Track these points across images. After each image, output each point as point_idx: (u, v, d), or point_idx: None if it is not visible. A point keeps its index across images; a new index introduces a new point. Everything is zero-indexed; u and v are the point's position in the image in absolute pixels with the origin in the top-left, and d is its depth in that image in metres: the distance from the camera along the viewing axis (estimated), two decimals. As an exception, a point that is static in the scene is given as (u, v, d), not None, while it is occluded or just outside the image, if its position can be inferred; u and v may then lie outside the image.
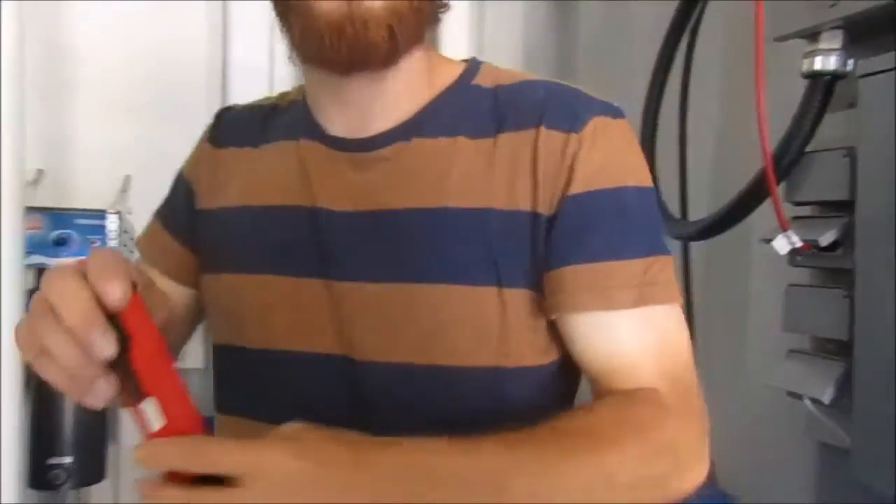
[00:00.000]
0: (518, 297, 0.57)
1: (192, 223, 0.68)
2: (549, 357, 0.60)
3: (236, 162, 0.67)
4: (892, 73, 0.79)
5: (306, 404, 0.54)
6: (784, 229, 0.89)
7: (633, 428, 0.52)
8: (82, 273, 0.44)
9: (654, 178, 1.21)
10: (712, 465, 0.56)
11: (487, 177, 0.57)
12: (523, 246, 0.57)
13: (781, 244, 0.88)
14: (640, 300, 0.56)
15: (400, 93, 0.60)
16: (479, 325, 0.57)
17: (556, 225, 0.57)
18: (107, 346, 0.43)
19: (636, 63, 1.46)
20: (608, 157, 0.57)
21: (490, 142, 0.58)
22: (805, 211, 0.97)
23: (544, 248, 0.57)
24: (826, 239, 0.86)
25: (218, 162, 0.68)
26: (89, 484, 1.46)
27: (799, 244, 0.89)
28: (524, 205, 0.57)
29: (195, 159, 0.71)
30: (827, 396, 0.88)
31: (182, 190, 0.70)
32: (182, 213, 0.69)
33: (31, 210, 1.31)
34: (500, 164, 0.57)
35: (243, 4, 1.67)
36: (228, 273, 0.64)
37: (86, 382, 0.44)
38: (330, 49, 0.53)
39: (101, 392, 0.45)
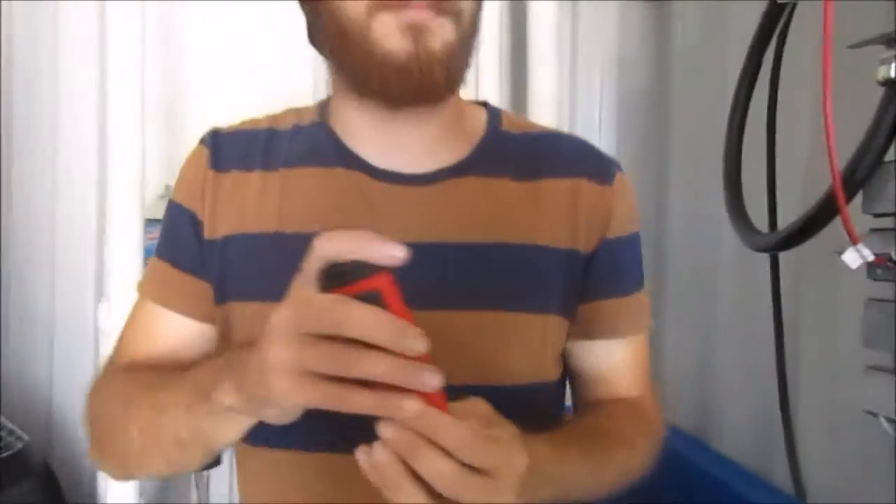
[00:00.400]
0: (555, 323, 0.66)
1: (202, 254, 0.65)
2: (560, 370, 0.70)
3: (243, 186, 0.65)
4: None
5: None
6: (854, 243, 0.86)
7: (642, 430, 0.68)
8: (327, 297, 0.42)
9: (740, 188, 1.21)
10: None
11: (533, 217, 0.65)
12: (562, 279, 0.66)
13: (852, 258, 0.86)
14: (642, 327, 0.72)
15: (443, 129, 0.66)
16: (528, 348, 0.65)
17: (594, 263, 0.67)
18: (421, 341, 0.41)
19: (733, 67, 1.44)
20: (630, 207, 0.70)
21: (534, 185, 0.66)
22: (885, 223, 0.93)
23: (581, 282, 0.67)
24: (897, 253, 0.83)
25: (220, 186, 0.66)
26: (209, 468, 1.61)
27: (871, 258, 0.86)
28: (565, 243, 0.66)
29: (191, 187, 0.67)
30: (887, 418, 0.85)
31: (184, 222, 0.66)
32: (191, 246, 0.66)
33: (158, 222, 1.47)
34: (543, 206, 0.66)
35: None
36: (262, 301, 0.61)
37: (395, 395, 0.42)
38: (396, 87, 0.58)
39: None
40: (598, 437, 0.64)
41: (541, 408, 0.66)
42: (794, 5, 1.18)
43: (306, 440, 0.62)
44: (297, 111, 0.71)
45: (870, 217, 0.94)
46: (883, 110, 0.86)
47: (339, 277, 0.42)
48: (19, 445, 1.41)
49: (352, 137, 0.66)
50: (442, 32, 0.57)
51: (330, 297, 0.42)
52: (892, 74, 0.86)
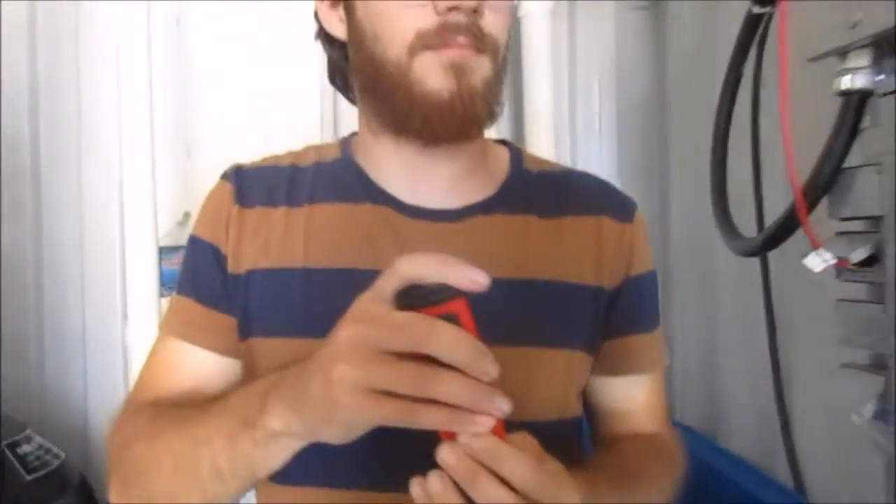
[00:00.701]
0: (579, 359, 0.67)
1: (226, 289, 0.65)
2: (581, 406, 0.71)
3: (267, 221, 0.65)
4: (908, 91, 0.79)
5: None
6: (815, 247, 0.90)
7: (666, 466, 0.70)
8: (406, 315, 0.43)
9: (725, 194, 1.25)
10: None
11: (558, 253, 0.66)
12: (587, 315, 0.67)
13: (814, 262, 0.90)
14: (662, 363, 0.74)
15: (470, 166, 0.67)
16: (555, 383, 0.66)
17: (618, 300, 0.69)
18: (496, 366, 0.42)
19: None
20: (647, 244, 0.72)
21: (557, 223, 0.67)
22: (849, 226, 0.97)
23: (604, 318, 0.68)
24: (857, 255, 0.87)
25: (244, 221, 0.65)
26: None
27: (832, 261, 0.90)
28: (590, 280, 0.67)
29: (214, 222, 0.67)
30: (868, 411, 0.88)
31: (208, 257, 0.66)
32: (216, 281, 0.65)
33: (177, 249, 1.57)
34: (568, 243, 0.67)
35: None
36: (288, 337, 0.62)
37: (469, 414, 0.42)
38: (439, 124, 0.59)
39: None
40: (626, 473, 0.64)
41: (566, 444, 0.64)
42: (771, 15, 1.22)
43: (333, 477, 0.60)
44: (318, 148, 0.71)
45: (837, 222, 0.97)
46: (841, 120, 0.90)
47: (416, 299, 0.43)
48: (56, 463, 1.47)
49: (379, 173, 0.66)
50: (481, 69, 0.59)
51: (412, 315, 0.42)
52: (848, 86, 0.89)
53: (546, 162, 0.74)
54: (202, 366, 0.65)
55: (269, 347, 0.63)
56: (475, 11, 0.57)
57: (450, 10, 0.57)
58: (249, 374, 0.64)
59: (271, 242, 0.65)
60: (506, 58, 0.63)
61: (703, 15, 1.67)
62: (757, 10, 1.24)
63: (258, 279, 0.64)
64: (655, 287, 0.73)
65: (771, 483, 1.30)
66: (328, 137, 1.79)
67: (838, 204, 0.95)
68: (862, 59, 0.89)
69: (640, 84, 1.90)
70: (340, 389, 0.43)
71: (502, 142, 0.75)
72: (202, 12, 1.75)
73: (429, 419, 0.41)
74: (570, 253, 0.66)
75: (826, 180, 0.90)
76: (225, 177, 0.69)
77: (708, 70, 1.61)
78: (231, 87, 1.78)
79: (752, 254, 1.10)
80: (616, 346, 0.70)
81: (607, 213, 0.69)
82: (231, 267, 0.65)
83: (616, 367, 0.71)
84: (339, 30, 0.65)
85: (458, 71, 0.57)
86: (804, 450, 1.27)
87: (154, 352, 0.68)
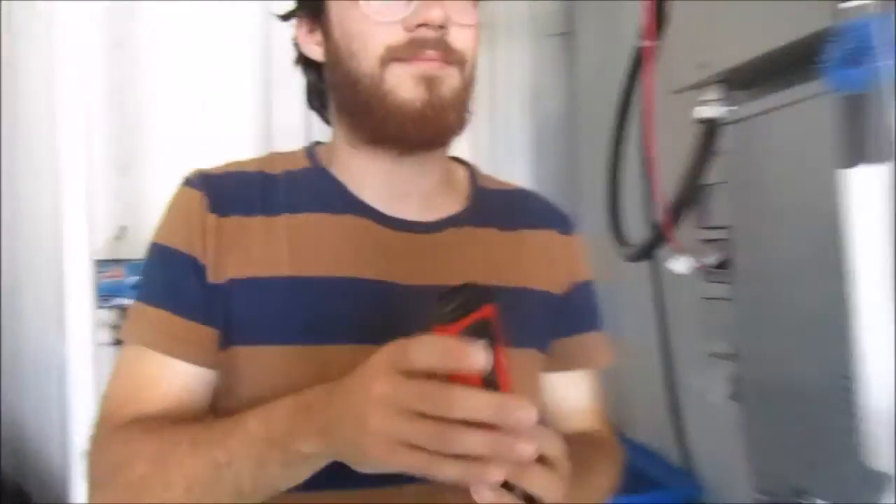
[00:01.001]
0: (541, 358, 0.73)
1: (207, 300, 0.64)
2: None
3: (245, 230, 0.65)
4: (745, 121, 0.95)
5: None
6: (678, 254, 1.05)
7: (611, 461, 0.75)
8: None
9: (617, 206, 1.40)
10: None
11: (518, 263, 0.71)
12: (545, 318, 0.72)
13: (678, 265, 1.05)
14: (609, 358, 0.78)
15: (439, 180, 0.71)
16: (526, 383, 0.70)
17: (568, 304, 0.74)
18: (524, 412, 0.44)
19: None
20: (585, 254, 0.79)
21: (516, 235, 0.73)
22: (711, 235, 1.13)
23: (556, 320, 0.73)
24: (709, 260, 1.02)
25: (223, 230, 0.65)
26: None
27: (695, 266, 1.05)
28: (545, 286, 0.73)
29: (186, 231, 0.65)
30: (721, 393, 1.03)
31: (184, 268, 0.64)
32: (195, 292, 0.64)
33: (114, 262, 1.64)
34: (525, 253, 0.72)
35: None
36: (277, 345, 0.62)
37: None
38: (413, 132, 0.62)
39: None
40: (583, 470, 0.66)
41: None
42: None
43: (340, 480, 0.59)
44: (283, 156, 0.72)
45: (706, 231, 1.13)
46: (697, 145, 1.05)
47: (452, 311, 0.47)
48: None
49: (357, 186, 0.68)
50: (450, 80, 0.62)
51: (433, 384, 0.45)
52: (702, 115, 1.05)
53: (494, 179, 0.79)
54: (187, 379, 0.63)
55: (259, 356, 0.63)
56: (442, 27, 0.61)
57: (418, 26, 0.61)
58: (232, 382, 0.64)
59: (252, 251, 0.65)
60: (475, 70, 0.66)
61: (607, 44, 1.83)
62: (644, 43, 1.40)
63: (242, 288, 0.64)
64: (596, 292, 0.79)
65: (662, 462, 1.45)
66: (262, 152, 1.87)
67: (700, 216, 1.11)
68: (713, 93, 1.05)
69: (553, 105, 2.06)
70: (371, 438, 0.46)
71: (455, 159, 0.78)
72: (142, 34, 1.82)
73: (449, 473, 0.44)
74: (528, 262, 0.72)
75: (685, 198, 1.06)
76: (191, 184, 0.67)
77: (612, 93, 1.78)
78: (167, 105, 1.84)
79: (634, 259, 1.25)
80: (569, 343, 0.75)
81: (554, 226, 0.76)
82: (211, 277, 0.64)
83: (569, 363, 0.76)
84: (316, 53, 0.69)
85: (428, 82, 0.61)
86: (694, 432, 1.42)
87: (125, 367, 0.65)
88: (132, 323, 0.66)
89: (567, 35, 2.05)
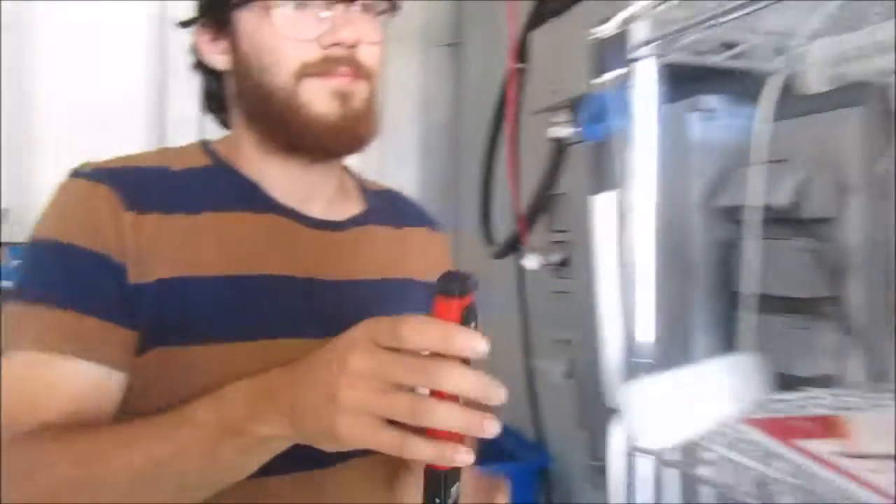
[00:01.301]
0: None
1: (128, 300, 0.61)
2: None
3: (167, 228, 0.64)
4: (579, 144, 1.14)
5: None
6: (530, 252, 1.22)
7: None
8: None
9: (488, 208, 1.57)
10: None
11: (405, 257, 0.77)
12: (425, 305, 0.79)
13: (528, 262, 1.22)
14: None
15: (339, 182, 0.75)
16: None
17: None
18: (500, 391, 0.45)
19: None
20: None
21: (402, 232, 0.79)
22: (559, 237, 1.31)
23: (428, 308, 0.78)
24: (552, 258, 1.20)
25: (143, 228, 0.62)
26: None
27: (542, 263, 1.23)
28: (423, 277, 0.75)
29: (95, 229, 0.62)
30: (560, 373, 1.22)
31: (94, 267, 0.61)
32: (109, 292, 0.60)
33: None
34: (409, 248, 0.78)
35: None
36: (212, 344, 0.62)
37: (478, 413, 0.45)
38: (329, 142, 0.66)
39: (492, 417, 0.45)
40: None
41: None
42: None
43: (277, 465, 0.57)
44: (177, 152, 0.72)
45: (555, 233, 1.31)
46: (548, 160, 1.23)
47: (455, 285, 0.48)
48: None
49: (269, 186, 0.70)
50: (361, 94, 0.66)
51: (424, 358, 0.45)
52: (556, 135, 1.22)
53: (370, 181, 0.83)
54: (99, 384, 0.60)
55: (194, 356, 0.61)
56: (353, 46, 0.65)
57: (332, 44, 0.64)
58: (152, 384, 0.61)
59: (180, 250, 0.63)
60: (378, 83, 0.70)
61: (491, 56, 1.98)
62: (517, 65, 1.57)
63: (174, 288, 0.62)
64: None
65: (520, 438, 1.63)
66: (155, 139, 1.91)
67: (555, 220, 1.29)
68: (563, 115, 1.23)
69: (440, 112, 2.21)
70: (342, 412, 0.46)
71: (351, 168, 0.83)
72: (33, 16, 1.82)
73: (420, 452, 0.45)
74: (411, 256, 0.77)
75: (537, 206, 1.23)
76: (90, 178, 0.64)
77: (494, 102, 1.94)
78: (56, 87, 1.84)
79: (497, 256, 1.43)
80: None
81: (426, 224, 0.82)
82: (134, 277, 0.61)
83: None
84: (219, 62, 0.70)
85: (342, 97, 0.64)
86: (544, 410, 1.60)
87: (25, 372, 0.59)
88: (17, 329, 0.60)
89: (456, 45, 2.19)
